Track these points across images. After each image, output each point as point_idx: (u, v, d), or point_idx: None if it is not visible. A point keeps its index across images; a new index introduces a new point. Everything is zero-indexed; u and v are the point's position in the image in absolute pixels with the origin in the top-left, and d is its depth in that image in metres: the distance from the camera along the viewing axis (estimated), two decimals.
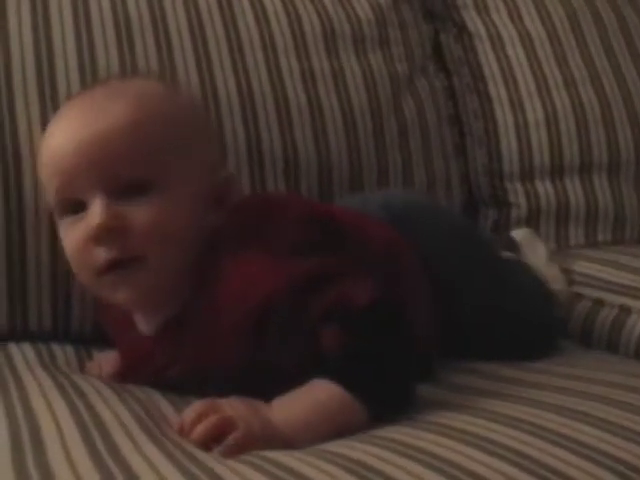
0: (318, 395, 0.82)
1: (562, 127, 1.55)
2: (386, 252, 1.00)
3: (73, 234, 0.92)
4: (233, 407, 0.80)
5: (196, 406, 0.81)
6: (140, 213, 0.89)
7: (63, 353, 1.13)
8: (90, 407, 0.87)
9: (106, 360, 1.07)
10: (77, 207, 0.91)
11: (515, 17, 1.60)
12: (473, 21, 1.60)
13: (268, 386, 0.84)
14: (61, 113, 0.97)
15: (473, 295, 1.08)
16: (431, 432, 0.79)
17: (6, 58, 1.23)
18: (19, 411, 0.86)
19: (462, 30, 1.60)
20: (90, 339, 1.18)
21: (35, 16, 1.26)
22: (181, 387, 0.95)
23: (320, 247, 0.92)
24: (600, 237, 1.54)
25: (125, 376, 1.01)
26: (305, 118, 1.33)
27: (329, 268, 0.88)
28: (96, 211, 0.89)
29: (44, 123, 1.18)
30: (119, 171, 0.90)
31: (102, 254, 0.89)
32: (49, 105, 1.21)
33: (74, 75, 1.24)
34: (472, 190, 1.56)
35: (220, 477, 0.70)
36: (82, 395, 0.90)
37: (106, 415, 0.85)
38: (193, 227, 0.92)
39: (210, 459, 0.75)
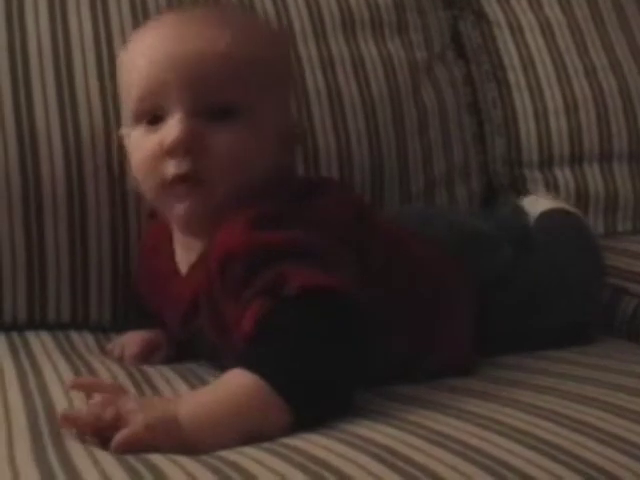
0: (234, 391, 0.75)
1: (582, 115, 1.54)
2: (429, 271, 0.99)
3: (145, 143, 0.91)
4: (133, 403, 0.74)
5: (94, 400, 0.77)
6: (219, 137, 0.89)
7: (82, 340, 1.13)
8: None
9: (130, 340, 1.07)
10: (154, 119, 0.91)
11: (535, 4, 1.59)
12: (492, 8, 1.59)
13: None
14: (154, 24, 0.97)
15: (518, 310, 1.08)
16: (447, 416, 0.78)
17: (23, 38, 1.22)
18: (37, 399, 0.85)
19: (481, 17, 1.59)
20: (109, 329, 1.18)
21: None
22: (210, 355, 0.96)
23: (328, 237, 0.88)
24: (620, 227, 1.53)
25: (148, 357, 1.02)
26: (324, 106, 1.32)
27: (304, 247, 0.84)
28: (176, 125, 0.88)
29: (61, 106, 1.19)
30: (207, 92, 0.89)
31: (171, 167, 0.89)
32: (66, 93, 1.21)
33: (90, 56, 1.23)
34: (491, 178, 1.55)
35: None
36: None
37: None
38: (265, 162, 0.92)
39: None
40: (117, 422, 0.72)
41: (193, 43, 0.90)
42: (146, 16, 1.27)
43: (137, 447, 0.71)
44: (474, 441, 0.73)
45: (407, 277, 0.96)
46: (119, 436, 0.71)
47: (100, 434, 0.73)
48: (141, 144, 0.92)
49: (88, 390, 0.81)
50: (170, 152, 0.89)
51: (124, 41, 1.22)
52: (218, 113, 0.90)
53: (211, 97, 0.90)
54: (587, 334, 1.13)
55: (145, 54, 0.92)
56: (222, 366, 0.86)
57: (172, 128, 0.88)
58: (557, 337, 1.08)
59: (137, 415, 0.72)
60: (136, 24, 1.25)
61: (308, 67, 1.33)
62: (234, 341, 0.85)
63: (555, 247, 1.18)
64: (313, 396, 0.76)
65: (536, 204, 1.31)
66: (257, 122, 0.91)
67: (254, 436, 0.73)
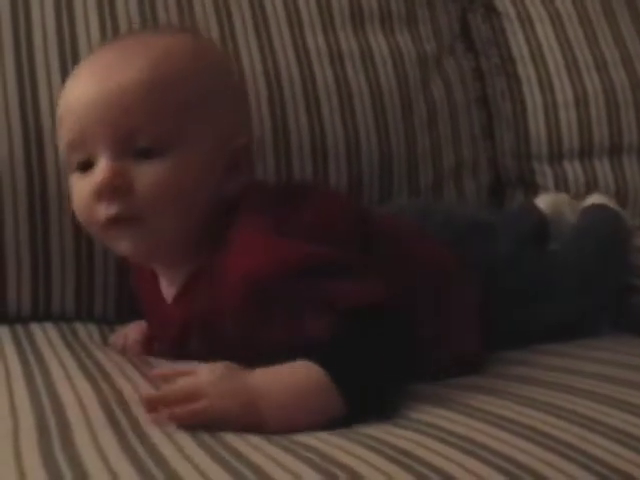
0: (300, 377, 0.79)
1: (592, 109, 1.53)
2: (431, 269, 0.99)
3: (79, 189, 0.92)
4: (209, 375, 0.79)
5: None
6: (145, 175, 0.89)
7: (86, 331, 1.13)
8: (113, 387, 0.86)
9: (133, 328, 1.08)
10: (87, 164, 0.91)
11: None
12: (502, 1, 1.58)
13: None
14: (80, 66, 0.96)
15: (522, 306, 1.08)
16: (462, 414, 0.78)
17: (28, 31, 1.22)
18: (43, 393, 0.85)
19: (490, 10, 1.58)
20: (113, 322, 1.18)
21: None
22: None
23: (335, 239, 0.90)
24: (629, 221, 1.52)
25: (151, 344, 1.03)
26: (333, 99, 1.31)
27: (332, 259, 0.86)
28: (101, 168, 0.89)
29: None
30: (126, 134, 0.89)
31: (102, 211, 0.90)
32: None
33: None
34: (500, 172, 1.54)
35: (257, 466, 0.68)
36: (106, 375, 0.90)
37: (129, 395, 0.84)
38: (202, 193, 0.91)
39: (239, 441, 0.73)
40: (193, 396, 0.76)
41: (109, 82, 0.89)
42: (153, 7, 1.26)
43: (209, 420, 0.75)
44: (487, 440, 0.72)
45: (408, 276, 0.95)
46: (194, 406, 0.76)
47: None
48: (76, 190, 0.93)
49: (169, 378, 0.82)
50: (98, 195, 0.89)
51: (131, 34, 1.22)
52: (143, 150, 0.89)
53: (131, 139, 0.89)
54: (596, 329, 1.13)
55: (69, 99, 0.93)
56: None
57: (98, 172, 0.89)
58: (564, 331, 1.08)
59: (214, 390, 0.77)
60: (143, 16, 1.25)
61: (317, 60, 1.32)
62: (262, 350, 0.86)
63: (582, 243, 1.18)
64: (368, 393, 0.80)
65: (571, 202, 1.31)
66: (181, 156, 0.90)
67: (315, 422, 0.77)
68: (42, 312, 1.19)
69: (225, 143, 0.93)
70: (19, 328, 1.12)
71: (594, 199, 1.32)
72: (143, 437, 0.74)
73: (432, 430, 0.75)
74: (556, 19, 1.56)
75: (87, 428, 0.76)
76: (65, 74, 1.20)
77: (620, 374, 0.92)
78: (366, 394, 0.80)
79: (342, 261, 0.87)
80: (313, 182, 1.25)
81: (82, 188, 0.91)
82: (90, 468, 0.67)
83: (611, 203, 1.33)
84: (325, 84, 1.31)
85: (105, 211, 0.89)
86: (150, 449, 0.71)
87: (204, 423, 0.75)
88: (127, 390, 0.86)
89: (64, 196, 1.16)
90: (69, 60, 1.21)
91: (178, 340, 0.97)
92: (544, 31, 1.56)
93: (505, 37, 1.57)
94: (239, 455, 0.70)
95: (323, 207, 0.94)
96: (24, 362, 0.96)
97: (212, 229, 0.92)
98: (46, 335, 1.09)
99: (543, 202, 1.32)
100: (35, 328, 1.12)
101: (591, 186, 1.51)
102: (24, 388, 0.87)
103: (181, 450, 0.71)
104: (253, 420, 0.76)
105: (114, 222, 0.90)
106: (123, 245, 0.92)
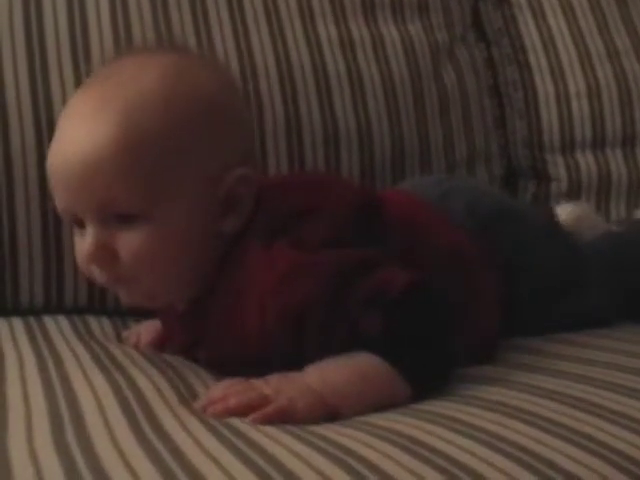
0: (361, 365, 0.81)
1: (604, 99, 1.52)
2: (446, 255, 0.98)
3: (78, 247, 0.92)
4: (268, 384, 0.80)
5: (225, 383, 0.82)
6: (127, 241, 0.87)
7: (99, 324, 1.13)
8: (128, 378, 0.86)
9: (145, 329, 1.06)
10: (78, 222, 0.90)
11: None
12: None
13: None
14: (66, 111, 0.92)
15: (545, 298, 1.07)
16: (478, 407, 0.77)
17: (39, 25, 1.22)
18: (57, 385, 0.84)
19: None
20: (126, 314, 1.17)
21: None
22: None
23: (355, 238, 0.90)
24: None
25: (164, 344, 1.02)
26: (345, 88, 1.31)
27: (362, 259, 0.86)
28: (88, 235, 0.88)
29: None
30: (106, 200, 0.86)
31: (96, 274, 0.91)
32: (83, 74, 1.20)
33: (108, 39, 1.23)
34: (511, 162, 1.54)
35: (266, 451, 0.68)
36: (119, 366, 0.90)
37: (144, 386, 0.84)
38: (191, 246, 0.90)
39: (254, 432, 0.73)
40: (261, 401, 0.78)
41: (85, 146, 0.86)
42: (165, 6, 1.26)
43: (282, 419, 0.76)
44: (502, 431, 0.71)
45: (423, 264, 0.95)
46: (269, 408, 0.77)
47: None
48: (77, 245, 0.93)
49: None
50: (90, 263, 0.89)
51: (142, 30, 1.22)
52: (124, 217, 0.87)
53: (110, 206, 0.87)
54: (610, 320, 1.12)
55: (51, 158, 0.90)
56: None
57: (86, 242, 0.89)
58: (581, 321, 1.08)
59: (279, 392, 0.78)
60: (155, 14, 1.24)
61: (328, 49, 1.32)
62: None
63: (615, 245, 1.17)
64: (433, 378, 0.84)
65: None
66: (169, 212, 0.87)
67: (384, 405, 0.80)
68: (55, 304, 1.19)
69: (217, 182, 0.90)
70: (32, 320, 1.12)
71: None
72: (158, 427, 0.74)
73: (442, 420, 0.75)
74: (568, 8, 1.56)
75: (101, 417, 0.75)
76: (77, 66, 1.20)
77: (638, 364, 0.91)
78: (428, 375, 0.83)
79: (369, 258, 0.87)
80: (322, 174, 1.24)
81: (79, 247, 0.91)
82: (103, 457, 0.67)
83: None
84: (337, 73, 1.31)
85: (98, 276, 0.90)
86: (164, 438, 0.71)
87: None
88: (141, 380, 0.86)
89: None
90: (80, 51, 1.21)
91: (186, 348, 0.98)
92: (556, 20, 1.55)
93: (517, 26, 1.56)
94: (254, 444, 0.70)
95: (333, 208, 0.92)
96: (37, 353, 0.96)
97: (216, 255, 0.91)
98: (59, 327, 1.09)
99: (561, 210, 1.31)
100: (48, 320, 1.12)
101: (603, 176, 1.51)
102: (37, 378, 0.86)
103: (197, 441, 0.71)
104: (324, 413, 0.78)
105: (111, 282, 0.91)
106: (124, 298, 0.93)
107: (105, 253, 0.88)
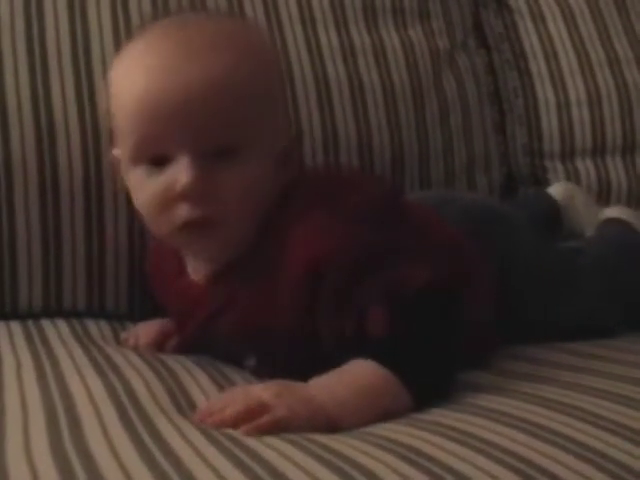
0: (363, 375, 0.80)
1: (605, 106, 1.52)
2: (449, 249, 0.98)
3: (151, 186, 0.88)
4: (268, 390, 0.78)
5: (226, 394, 0.81)
6: (230, 177, 0.86)
7: (97, 328, 1.13)
8: (126, 383, 0.86)
9: (144, 331, 1.06)
10: (158, 159, 0.87)
11: None
12: None
13: (308, 365, 0.82)
14: (149, 45, 0.90)
15: (540, 302, 1.07)
16: (477, 416, 0.77)
17: (40, 26, 1.22)
18: (54, 387, 0.84)
19: (503, 6, 1.58)
20: (125, 318, 1.17)
21: None
22: (225, 354, 0.95)
23: (385, 223, 0.90)
24: None
25: (164, 344, 1.02)
26: (345, 94, 1.31)
27: (391, 245, 0.86)
28: (185, 170, 0.85)
29: (79, 95, 1.18)
30: (211, 133, 0.86)
31: (184, 212, 0.87)
32: (83, 75, 1.20)
33: (108, 41, 1.23)
34: (512, 168, 1.54)
35: (263, 458, 0.68)
36: (117, 371, 0.90)
37: (140, 391, 0.84)
38: (270, 187, 0.90)
39: (251, 439, 0.73)
40: (260, 409, 0.75)
41: (194, 77, 0.85)
42: (167, 8, 1.26)
43: (281, 429, 0.74)
44: (499, 440, 0.71)
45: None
46: (264, 419, 0.74)
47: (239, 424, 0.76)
48: (145, 185, 0.89)
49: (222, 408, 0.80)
50: (184, 197, 0.86)
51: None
52: (225, 151, 0.87)
53: (216, 138, 0.86)
54: (610, 330, 1.12)
55: (144, 90, 0.87)
56: (240, 364, 0.91)
57: (182, 174, 0.85)
58: (581, 328, 1.08)
59: (279, 399, 0.76)
60: (156, 16, 1.24)
61: (329, 55, 1.32)
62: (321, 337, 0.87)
63: (605, 248, 1.18)
64: (436, 386, 0.83)
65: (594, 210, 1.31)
66: (258, 154, 0.88)
67: (385, 416, 0.78)
68: (53, 308, 1.18)
69: (281, 135, 0.93)
70: (30, 324, 1.12)
71: (612, 212, 1.32)
72: (154, 431, 0.74)
73: (441, 429, 0.74)
74: (568, 15, 1.56)
75: (98, 422, 0.75)
76: (77, 67, 1.20)
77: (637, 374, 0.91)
78: (431, 383, 0.81)
79: (398, 245, 0.87)
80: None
81: (156, 185, 0.87)
82: (100, 462, 0.67)
83: (630, 217, 1.31)
84: (337, 79, 1.31)
85: (187, 213, 0.86)
86: (160, 443, 0.71)
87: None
88: (138, 385, 0.85)
89: (75, 192, 1.17)
90: (81, 56, 1.21)
91: (206, 322, 0.95)
92: (556, 27, 1.55)
93: (517, 33, 1.56)
94: (250, 451, 0.69)
95: (368, 192, 0.93)
96: (35, 357, 0.95)
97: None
98: (57, 330, 1.09)
99: (554, 190, 1.33)
100: (46, 324, 1.12)
101: (603, 184, 1.51)
102: (35, 382, 0.86)
103: (192, 445, 0.71)
104: (324, 424, 0.76)
105: (194, 225, 0.87)
106: (198, 246, 0.91)
107: (208, 187, 0.86)
